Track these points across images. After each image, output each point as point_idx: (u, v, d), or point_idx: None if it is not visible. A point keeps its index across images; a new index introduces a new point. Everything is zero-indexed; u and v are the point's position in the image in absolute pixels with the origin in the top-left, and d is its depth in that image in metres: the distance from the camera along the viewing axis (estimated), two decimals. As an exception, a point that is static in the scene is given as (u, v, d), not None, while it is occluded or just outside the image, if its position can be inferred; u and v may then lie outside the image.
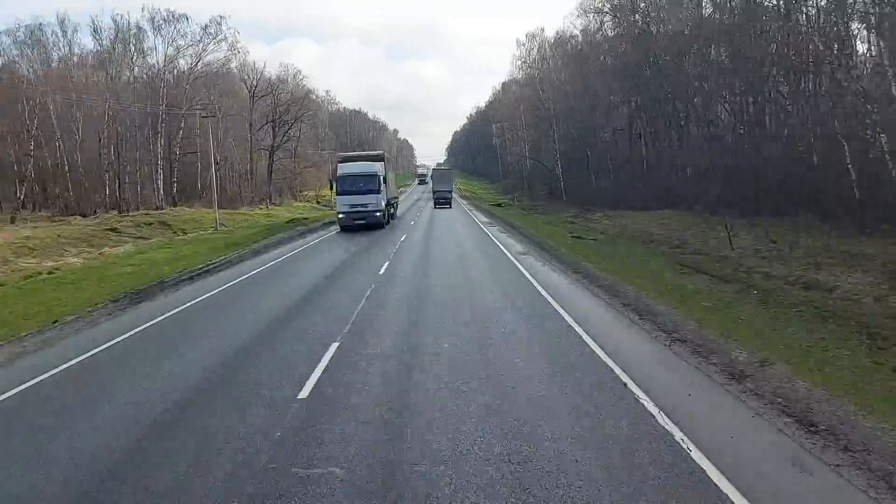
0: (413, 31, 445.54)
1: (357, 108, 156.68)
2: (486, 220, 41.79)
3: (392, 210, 39.18)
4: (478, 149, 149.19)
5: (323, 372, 8.79)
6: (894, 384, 7.76)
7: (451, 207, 56.51)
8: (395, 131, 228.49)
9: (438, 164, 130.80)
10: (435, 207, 56.62)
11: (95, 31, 58.95)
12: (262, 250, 26.85)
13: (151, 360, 10.08)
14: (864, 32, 28.75)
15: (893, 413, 6.70)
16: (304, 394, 7.90)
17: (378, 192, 32.51)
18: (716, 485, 5.35)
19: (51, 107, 48.21)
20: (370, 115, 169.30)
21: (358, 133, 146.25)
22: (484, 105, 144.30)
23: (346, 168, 33.64)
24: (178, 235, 35.86)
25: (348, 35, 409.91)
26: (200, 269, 21.27)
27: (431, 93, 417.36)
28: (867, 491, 5.25)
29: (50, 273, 21.10)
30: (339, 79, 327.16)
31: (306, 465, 5.93)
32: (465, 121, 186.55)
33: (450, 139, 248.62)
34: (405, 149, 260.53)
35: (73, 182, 48.69)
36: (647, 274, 17.00)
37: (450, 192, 61.46)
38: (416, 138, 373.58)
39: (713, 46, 38.38)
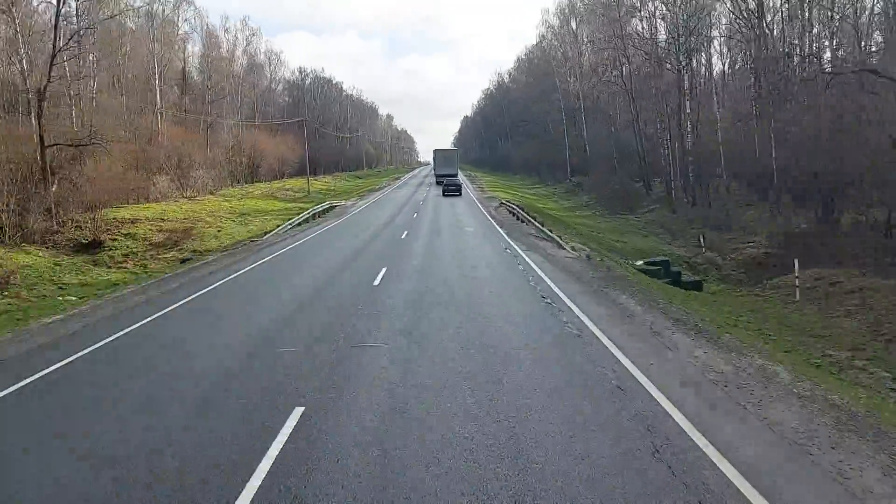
0: (413, 26, 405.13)
1: (320, 70, 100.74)
2: None
3: None
4: (507, 128, 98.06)
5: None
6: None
7: (460, 195, 50.27)
8: (390, 117, 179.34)
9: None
10: (444, 195, 50.09)
11: None
12: None
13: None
14: None
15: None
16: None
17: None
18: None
19: None
20: (347, 88, 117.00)
21: (323, 109, 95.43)
22: (516, 61, 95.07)
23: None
24: None
25: (345, 29, 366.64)
26: None
27: (434, 89, 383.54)
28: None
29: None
30: (338, 73, 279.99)
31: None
32: (480, 96, 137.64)
33: (458, 127, 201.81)
34: (403, 140, 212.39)
35: None
36: None
37: (456, 175, 62.61)
38: (420, 135, 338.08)
39: None
